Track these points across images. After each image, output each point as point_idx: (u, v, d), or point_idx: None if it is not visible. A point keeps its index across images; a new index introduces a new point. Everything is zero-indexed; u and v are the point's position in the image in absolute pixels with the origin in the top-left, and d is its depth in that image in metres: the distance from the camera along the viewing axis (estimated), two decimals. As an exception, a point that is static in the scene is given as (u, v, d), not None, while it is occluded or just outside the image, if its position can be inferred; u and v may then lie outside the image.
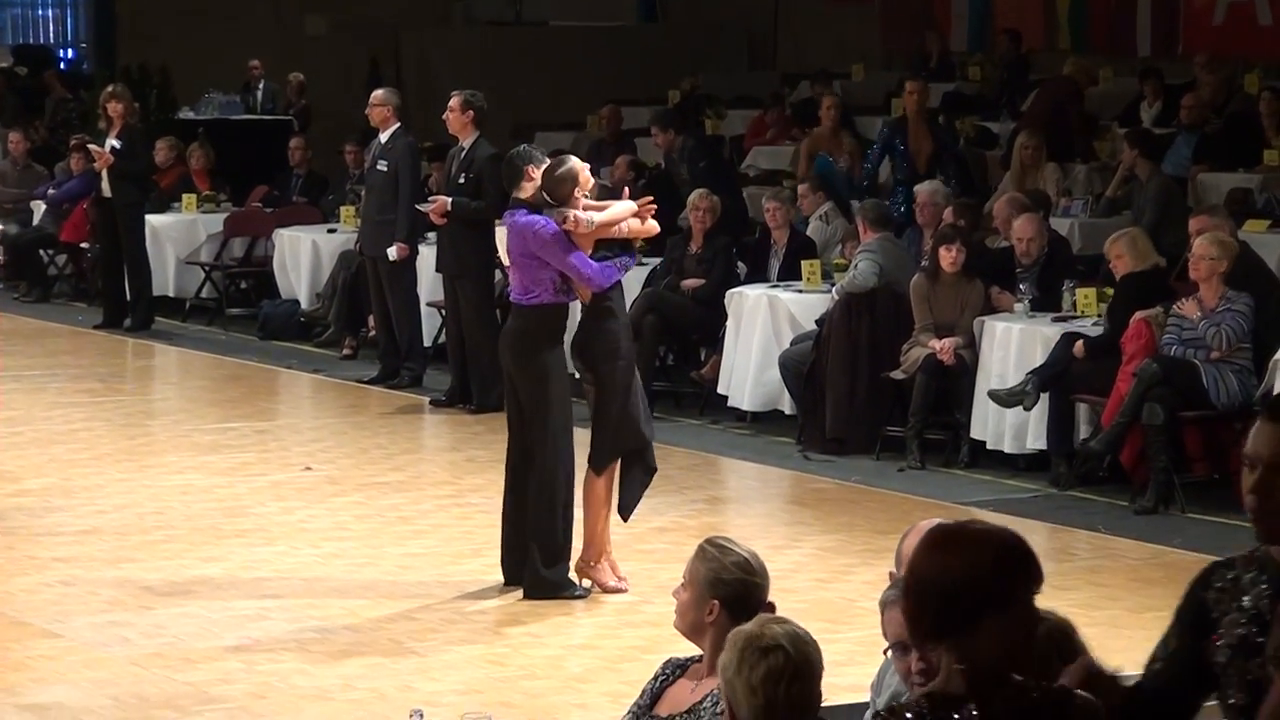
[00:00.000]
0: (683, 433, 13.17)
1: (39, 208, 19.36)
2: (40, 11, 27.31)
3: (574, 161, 9.36)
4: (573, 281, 9.23)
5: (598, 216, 9.24)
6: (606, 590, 9.35)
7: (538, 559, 9.21)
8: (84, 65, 25.98)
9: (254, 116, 21.88)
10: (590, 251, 9.22)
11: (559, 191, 9.21)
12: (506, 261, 9.49)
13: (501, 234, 9.58)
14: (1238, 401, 10.90)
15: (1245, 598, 3.98)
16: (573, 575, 9.32)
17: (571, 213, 9.16)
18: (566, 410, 9.36)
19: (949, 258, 12.08)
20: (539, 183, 9.33)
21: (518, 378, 9.31)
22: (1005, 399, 11.61)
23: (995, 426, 11.92)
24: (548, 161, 9.45)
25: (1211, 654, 4.02)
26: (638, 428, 9.36)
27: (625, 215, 9.35)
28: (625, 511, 9.45)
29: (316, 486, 11.51)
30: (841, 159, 16.43)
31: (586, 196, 9.32)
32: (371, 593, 9.40)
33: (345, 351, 15.94)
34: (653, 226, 9.48)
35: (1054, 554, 10.46)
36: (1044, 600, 9.42)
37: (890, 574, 4.97)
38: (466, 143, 13.57)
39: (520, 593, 9.30)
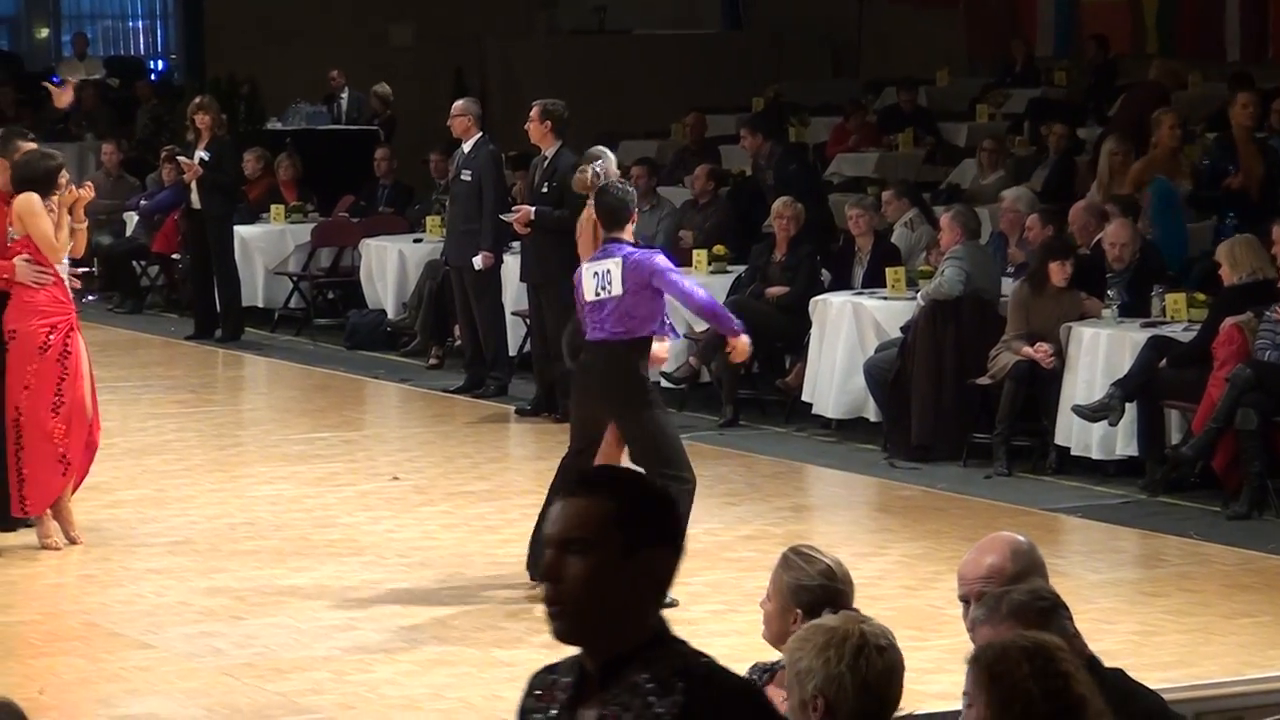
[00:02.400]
0: (768, 440, 13.17)
1: (132, 219, 19.56)
2: (132, 23, 27.59)
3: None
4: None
5: None
6: None
7: None
8: (174, 76, 26.22)
9: (340, 127, 22.03)
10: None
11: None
12: (591, 297, 9.36)
13: (586, 274, 9.45)
14: (1332, 407, 10.81)
15: (552, 709, 3.41)
16: None
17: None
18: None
19: (1061, 273, 12.00)
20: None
21: (627, 418, 9.29)
22: (1091, 414, 11.55)
23: (1083, 433, 11.86)
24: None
25: None
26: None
27: None
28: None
29: (404, 496, 11.58)
30: (1183, 182, 14.36)
31: None
32: (459, 602, 9.45)
33: (431, 361, 16.03)
34: None
35: (1145, 560, 10.42)
36: (1137, 607, 9.34)
37: (964, 596, 4.93)
38: (549, 152, 13.61)
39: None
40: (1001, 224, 13.66)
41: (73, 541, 10.27)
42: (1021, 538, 4.86)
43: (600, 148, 10.51)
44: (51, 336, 10.26)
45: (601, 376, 9.36)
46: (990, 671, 3.81)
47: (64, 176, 10.56)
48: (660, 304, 9.38)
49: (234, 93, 20.93)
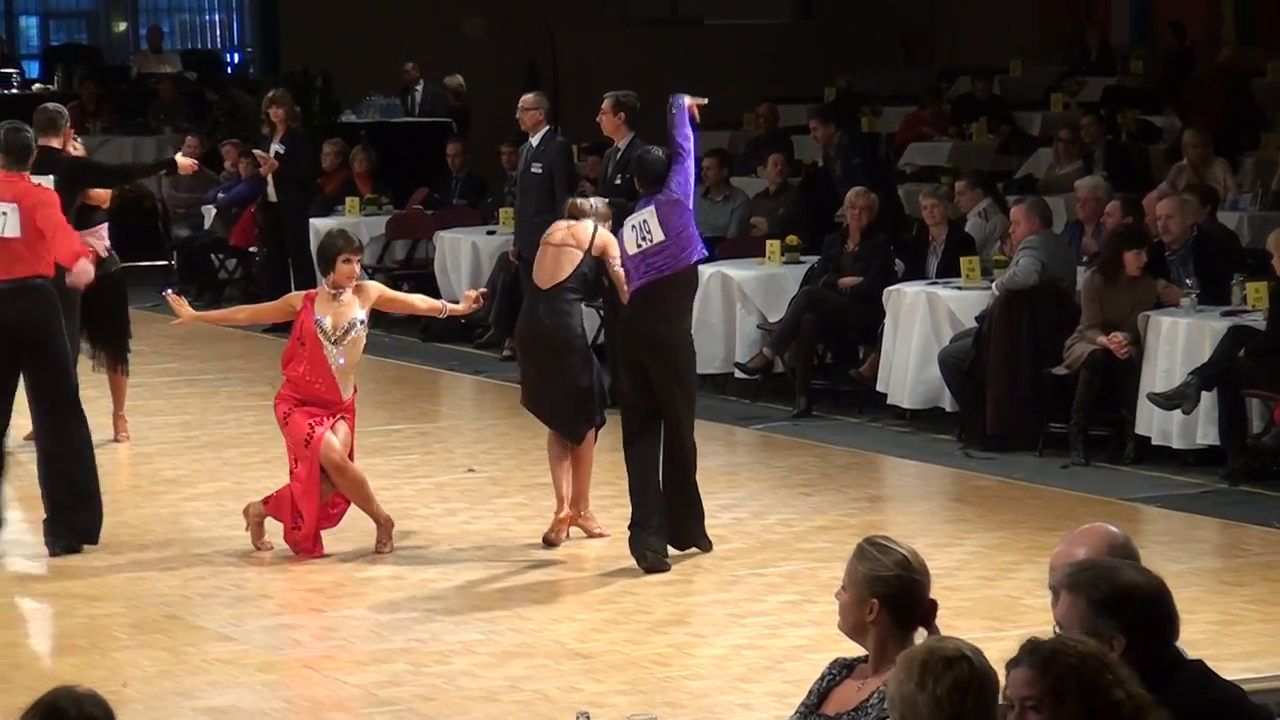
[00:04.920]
0: (842, 431, 13.16)
1: (209, 212, 19.69)
2: (207, 16, 27.75)
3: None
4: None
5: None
6: (593, 536, 10.26)
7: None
8: (249, 70, 26.37)
9: (414, 119, 22.12)
10: None
11: None
12: (634, 249, 9.82)
13: (626, 231, 9.94)
14: None
15: None
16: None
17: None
18: None
19: (1136, 261, 11.95)
20: None
21: (674, 342, 9.79)
22: (1165, 402, 11.49)
23: (1162, 422, 11.79)
24: None
25: None
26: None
27: None
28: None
29: (480, 488, 11.64)
30: None
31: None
32: (535, 594, 9.49)
33: (506, 353, 16.06)
34: None
35: (1226, 550, 10.36)
36: (1218, 596, 9.29)
37: (1054, 586, 4.92)
38: (621, 143, 13.60)
39: (683, 595, 9.37)
40: (1079, 212, 13.60)
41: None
42: (1116, 529, 4.84)
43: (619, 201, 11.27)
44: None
45: (664, 307, 9.77)
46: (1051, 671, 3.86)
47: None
48: (693, 229, 9.87)
49: (309, 86, 21.03)
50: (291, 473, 10.11)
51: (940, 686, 4.02)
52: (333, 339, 10.00)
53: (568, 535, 10.30)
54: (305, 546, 10.01)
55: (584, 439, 10.30)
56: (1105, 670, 3.96)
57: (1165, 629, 4.43)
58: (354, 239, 10.32)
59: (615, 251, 10.18)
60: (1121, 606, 4.37)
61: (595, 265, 10.37)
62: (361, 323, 10.07)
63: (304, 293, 10.27)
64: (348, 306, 10.04)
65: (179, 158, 12.61)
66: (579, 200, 10.83)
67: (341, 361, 10.03)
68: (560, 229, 10.52)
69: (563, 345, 10.23)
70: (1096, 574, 4.45)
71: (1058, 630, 4.44)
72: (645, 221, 9.80)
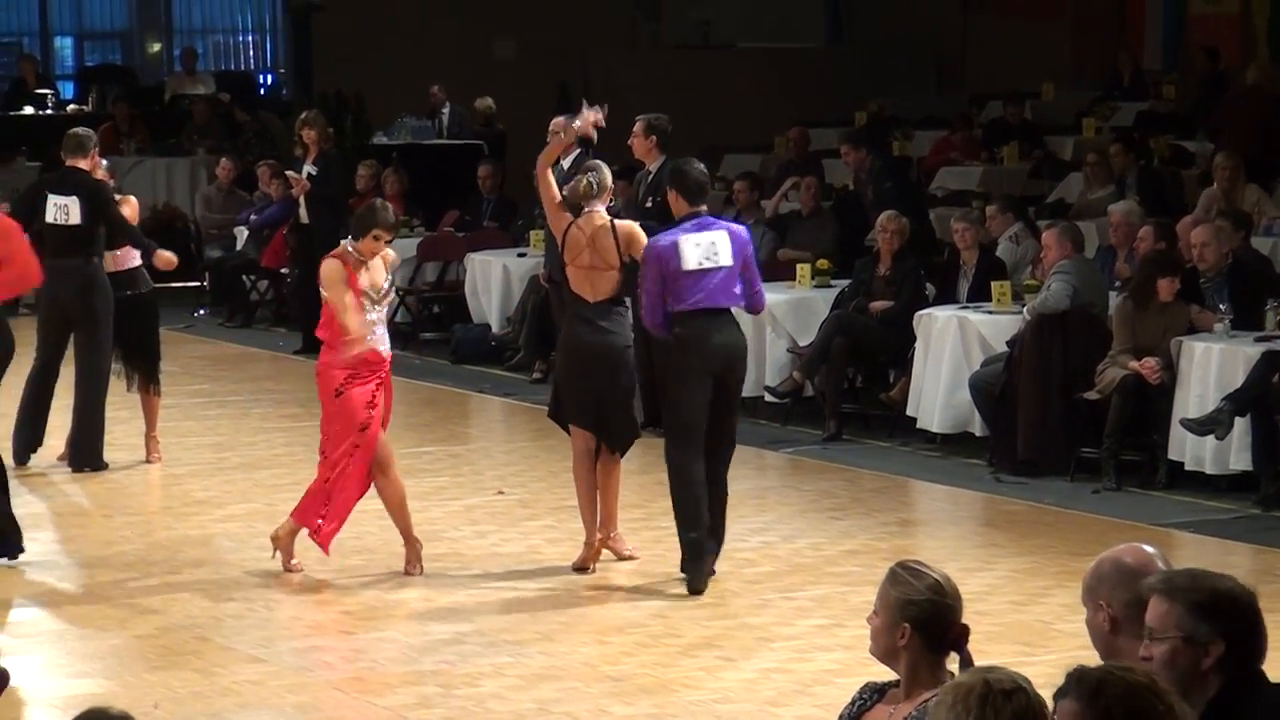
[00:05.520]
0: (872, 455, 13.14)
1: (242, 233, 19.75)
2: (241, 38, 27.85)
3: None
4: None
5: None
6: (622, 558, 10.33)
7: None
8: (283, 91, 26.46)
9: (446, 141, 22.17)
10: None
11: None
12: (693, 266, 9.83)
13: (686, 245, 9.85)
14: None
15: None
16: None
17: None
18: None
19: (1169, 288, 11.92)
20: None
21: (741, 370, 10.07)
22: (1199, 428, 11.45)
23: (1195, 447, 11.75)
24: None
25: None
26: None
27: None
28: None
29: (509, 510, 11.64)
30: None
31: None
32: (565, 616, 9.49)
33: (535, 375, 16.09)
34: None
35: (1259, 575, 10.29)
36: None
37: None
38: (653, 166, 13.61)
39: (713, 619, 9.38)
40: (1112, 238, 13.57)
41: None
42: (1152, 548, 4.81)
43: (596, 161, 10.90)
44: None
45: (724, 339, 9.88)
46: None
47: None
48: (757, 275, 10.09)
49: (342, 106, 21.10)
50: (324, 457, 10.13)
51: (1002, 718, 4.00)
52: (375, 300, 10.19)
53: (598, 560, 10.29)
54: (322, 541, 10.07)
55: (628, 449, 10.41)
56: (1155, 700, 3.93)
57: (1259, 640, 4.40)
58: (395, 224, 10.42)
59: (641, 239, 10.15)
60: (1222, 611, 4.33)
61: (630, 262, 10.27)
62: (391, 283, 10.38)
63: (338, 261, 10.26)
64: (375, 271, 10.23)
65: (159, 252, 12.72)
66: (576, 185, 10.47)
67: (380, 319, 10.27)
68: (583, 248, 10.25)
69: (616, 356, 10.18)
70: (1195, 577, 4.41)
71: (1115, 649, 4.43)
72: (714, 243, 9.85)
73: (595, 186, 10.32)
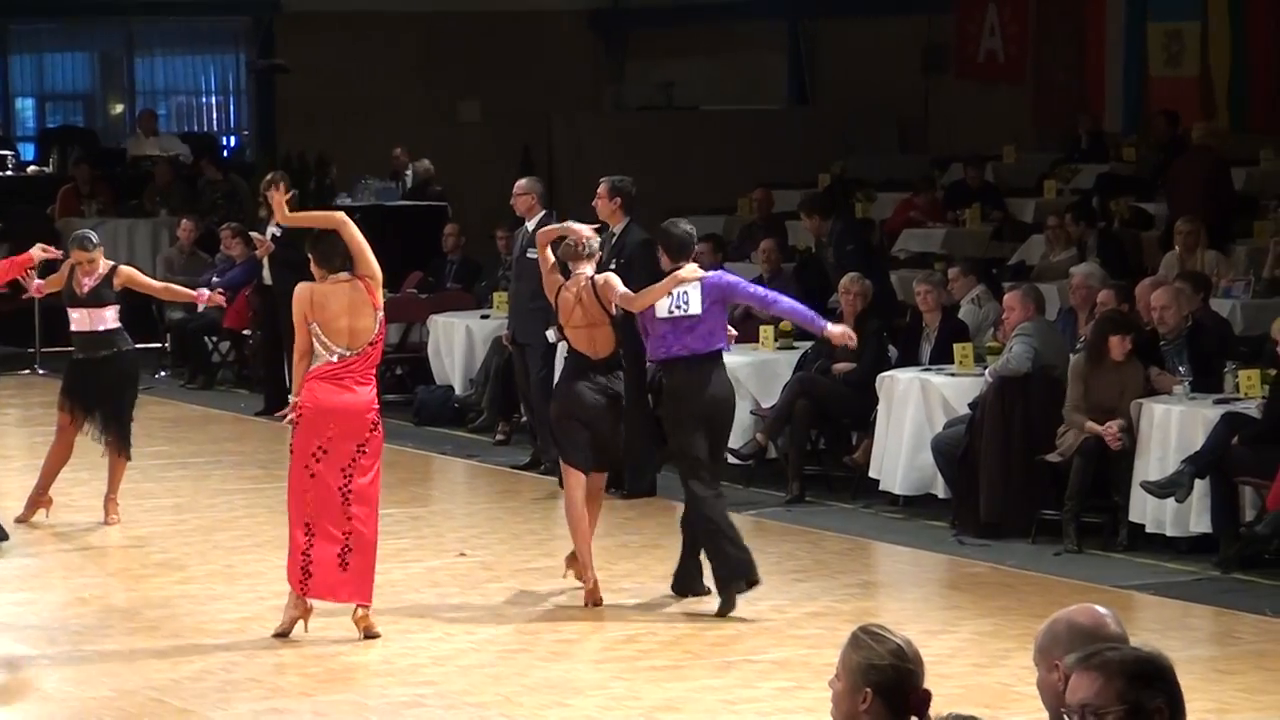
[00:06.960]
0: (835, 517, 13.14)
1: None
2: (204, 99, 27.84)
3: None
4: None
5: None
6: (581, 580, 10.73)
7: None
8: (246, 153, 26.45)
9: (409, 203, 22.18)
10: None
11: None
12: (663, 314, 10.40)
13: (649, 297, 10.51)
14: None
15: None
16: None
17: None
18: None
19: (1121, 347, 11.99)
20: None
21: (729, 416, 10.60)
22: (1159, 490, 11.48)
23: (1155, 510, 11.78)
24: None
25: None
26: None
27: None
28: None
29: (471, 572, 11.60)
30: None
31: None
32: (527, 680, 9.44)
33: (499, 437, 16.06)
34: None
35: (1219, 638, 10.33)
36: (1211, 685, 9.27)
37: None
38: (617, 228, 13.62)
39: (674, 681, 9.35)
40: (1073, 300, 13.63)
41: None
42: (1103, 609, 4.83)
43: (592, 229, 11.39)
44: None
45: (701, 384, 10.38)
46: None
47: None
48: (724, 319, 10.60)
49: (305, 169, 21.10)
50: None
51: None
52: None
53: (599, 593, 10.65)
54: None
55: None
56: None
57: (1182, 705, 4.46)
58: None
59: (617, 286, 10.67)
60: (1157, 675, 4.39)
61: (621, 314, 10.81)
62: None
63: (308, 294, 10.59)
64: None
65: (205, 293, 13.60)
66: (570, 244, 10.97)
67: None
68: (574, 307, 10.77)
69: (616, 412, 10.77)
70: (1115, 649, 4.43)
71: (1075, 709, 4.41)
72: (686, 293, 10.40)
73: (582, 248, 10.87)
